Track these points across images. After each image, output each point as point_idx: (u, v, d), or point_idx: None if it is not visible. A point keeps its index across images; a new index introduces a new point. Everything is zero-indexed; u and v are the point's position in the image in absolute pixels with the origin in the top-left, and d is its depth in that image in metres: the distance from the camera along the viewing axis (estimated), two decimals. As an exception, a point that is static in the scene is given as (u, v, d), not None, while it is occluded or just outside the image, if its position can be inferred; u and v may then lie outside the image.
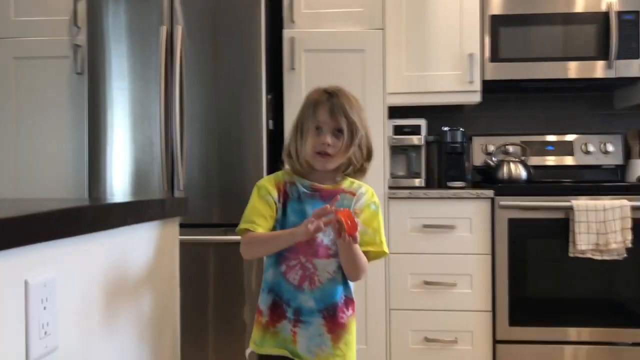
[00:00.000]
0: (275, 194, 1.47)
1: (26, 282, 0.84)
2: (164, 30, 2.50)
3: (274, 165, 2.65)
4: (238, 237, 2.42)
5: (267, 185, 1.49)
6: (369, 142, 1.49)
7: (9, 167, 2.71)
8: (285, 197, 1.47)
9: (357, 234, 1.31)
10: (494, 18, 2.86)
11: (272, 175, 1.54)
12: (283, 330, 1.45)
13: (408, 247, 2.65)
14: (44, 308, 0.89)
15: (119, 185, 2.58)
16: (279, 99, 2.69)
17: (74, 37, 2.69)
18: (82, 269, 1.02)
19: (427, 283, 2.63)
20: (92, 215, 0.99)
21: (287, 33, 2.64)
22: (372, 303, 2.62)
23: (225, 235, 2.51)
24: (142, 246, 1.27)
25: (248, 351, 1.53)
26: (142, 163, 2.56)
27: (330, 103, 1.43)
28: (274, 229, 1.46)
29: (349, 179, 1.51)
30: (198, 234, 2.45)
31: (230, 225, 2.49)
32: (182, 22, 2.52)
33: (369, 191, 1.51)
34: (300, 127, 1.47)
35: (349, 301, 1.49)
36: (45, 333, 0.89)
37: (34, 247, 0.85)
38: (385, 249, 1.48)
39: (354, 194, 1.48)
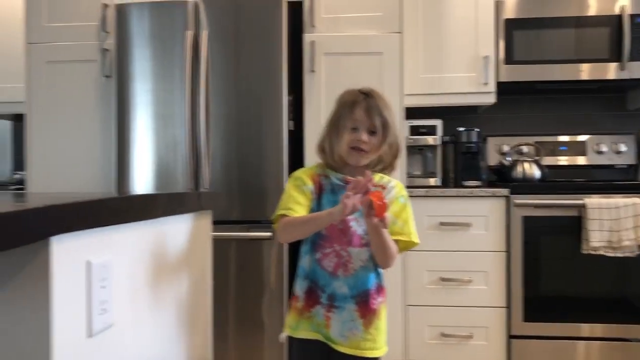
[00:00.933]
0: (310, 184, 1.56)
1: (88, 263, 0.94)
2: (189, 34, 2.60)
3: (294, 164, 2.74)
4: (259, 234, 2.55)
5: (303, 177, 1.58)
6: (398, 141, 1.59)
7: (41, 165, 2.82)
8: (319, 189, 1.56)
9: (387, 218, 1.37)
10: (508, 22, 2.94)
11: (306, 168, 1.64)
12: (317, 315, 1.53)
13: (425, 244, 2.70)
14: (102, 287, 0.98)
15: (144, 183, 2.67)
16: (299, 100, 2.78)
17: (102, 42, 2.79)
18: (131, 253, 1.11)
19: (443, 279, 2.70)
20: (141, 205, 1.09)
21: (307, 37, 2.73)
22: (389, 299, 2.63)
23: (248, 231, 2.60)
24: (181, 234, 1.36)
25: (283, 336, 1.61)
26: (167, 161, 2.66)
27: (366, 103, 1.52)
28: None
29: (379, 174, 1.59)
30: (220, 230, 2.53)
31: (251, 222, 2.61)
32: (207, 27, 2.62)
33: (398, 185, 1.61)
34: (336, 125, 1.56)
35: (380, 288, 1.58)
36: (104, 310, 0.98)
37: (95, 231, 0.95)
38: (415, 239, 1.56)
39: (384, 187, 1.57)
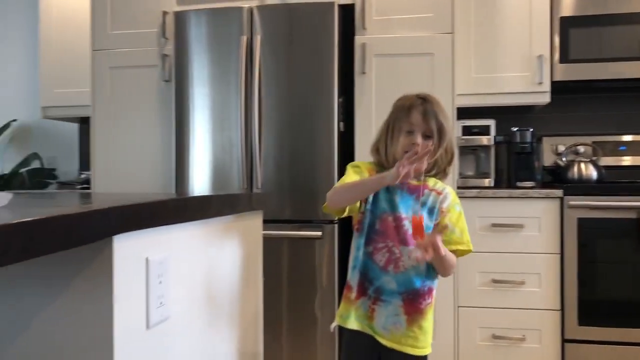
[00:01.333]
0: (367, 175, 1.59)
1: (147, 260, 1.01)
2: (244, 39, 2.68)
3: (345, 165, 2.77)
4: (310, 233, 2.61)
5: (362, 167, 1.63)
6: (453, 146, 1.61)
7: (105, 166, 2.97)
8: None
9: (441, 250, 1.43)
10: (564, 19, 2.88)
11: (365, 162, 1.68)
12: (362, 306, 1.58)
13: (476, 245, 2.63)
14: (160, 282, 1.05)
15: (201, 183, 2.78)
16: (349, 102, 2.82)
17: (162, 48, 2.92)
18: (186, 250, 1.18)
19: (495, 281, 2.68)
20: (196, 206, 1.16)
21: (358, 39, 2.76)
22: (440, 300, 2.68)
23: (299, 230, 2.66)
24: (233, 233, 1.43)
25: (334, 325, 1.65)
26: (223, 162, 2.75)
27: (423, 107, 1.55)
28: (363, 215, 1.58)
29: (433, 179, 1.62)
30: (272, 229, 2.61)
31: (303, 222, 2.67)
32: (260, 31, 2.69)
33: (452, 192, 1.63)
34: (391, 128, 1.59)
35: (429, 290, 1.60)
36: (161, 304, 1.05)
37: (153, 230, 1.02)
38: (471, 247, 1.60)
39: (439, 193, 1.60)
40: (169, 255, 1.09)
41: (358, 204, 1.57)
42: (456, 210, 1.60)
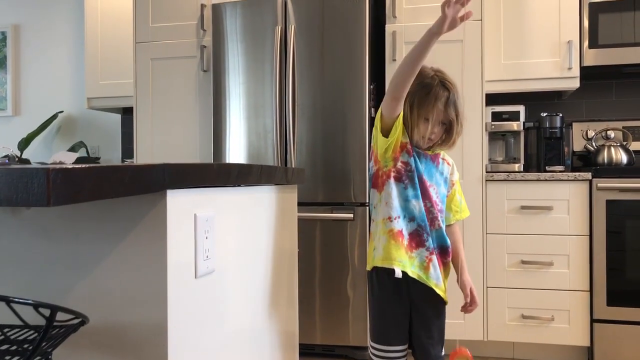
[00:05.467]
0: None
1: (195, 216, 1.12)
2: (278, 29, 2.79)
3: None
4: (342, 215, 2.71)
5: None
6: (463, 120, 1.70)
7: (146, 151, 3.13)
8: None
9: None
10: (593, 5, 2.91)
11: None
12: (419, 257, 1.67)
13: (505, 227, 2.76)
14: (206, 237, 1.16)
15: (238, 169, 2.90)
16: (380, 88, 2.90)
17: (200, 39, 3.05)
18: (229, 212, 1.29)
19: (524, 262, 2.74)
20: (237, 172, 1.27)
21: (389, 28, 2.84)
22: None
23: (331, 213, 2.76)
24: (271, 202, 1.54)
25: (398, 272, 1.65)
26: (258, 148, 2.87)
27: (446, 98, 1.64)
28: (407, 167, 1.66)
29: (443, 152, 1.76)
30: (306, 211, 2.72)
31: (335, 204, 2.77)
32: (294, 21, 2.80)
33: (454, 164, 1.80)
34: (416, 109, 1.65)
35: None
36: (207, 257, 1.17)
37: (201, 190, 1.13)
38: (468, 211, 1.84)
39: (449, 164, 1.77)
40: (214, 214, 1.20)
41: (402, 134, 1.64)
42: (459, 182, 1.81)
